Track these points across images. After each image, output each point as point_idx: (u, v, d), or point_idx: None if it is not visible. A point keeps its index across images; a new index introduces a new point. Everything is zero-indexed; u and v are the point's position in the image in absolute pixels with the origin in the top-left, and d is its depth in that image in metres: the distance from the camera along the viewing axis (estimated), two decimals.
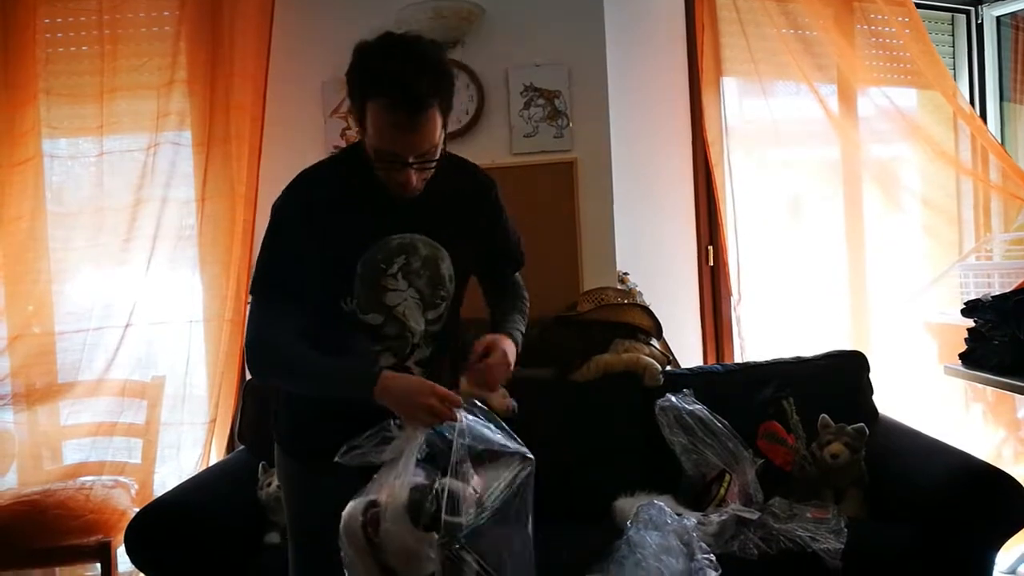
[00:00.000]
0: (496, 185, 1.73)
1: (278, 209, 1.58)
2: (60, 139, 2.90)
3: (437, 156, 1.52)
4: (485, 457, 1.37)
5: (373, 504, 1.33)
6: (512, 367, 1.59)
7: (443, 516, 1.31)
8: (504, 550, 1.36)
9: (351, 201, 1.56)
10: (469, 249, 1.68)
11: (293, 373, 1.54)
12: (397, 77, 1.40)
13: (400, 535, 1.29)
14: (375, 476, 1.40)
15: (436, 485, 1.35)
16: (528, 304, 1.80)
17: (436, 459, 1.40)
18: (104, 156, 2.84)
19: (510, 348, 1.61)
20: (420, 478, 1.38)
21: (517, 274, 1.85)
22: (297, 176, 1.63)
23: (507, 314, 1.73)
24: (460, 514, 1.32)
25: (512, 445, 1.39)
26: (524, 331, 1.72)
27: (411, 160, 1.48)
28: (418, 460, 1.38)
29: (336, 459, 1.39)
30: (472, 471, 1.35)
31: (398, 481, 1.34)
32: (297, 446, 1.69)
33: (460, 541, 1.31)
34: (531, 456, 1.39)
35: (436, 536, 1.31)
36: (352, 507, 1.34)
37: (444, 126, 1.50)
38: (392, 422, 1.43)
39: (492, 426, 1.42)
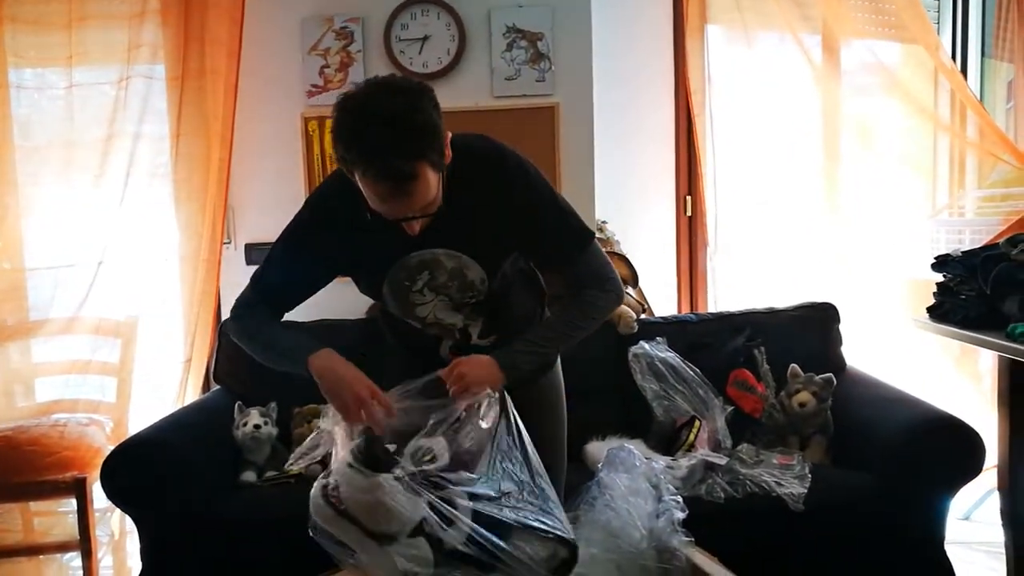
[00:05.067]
0: (522, 175, 1.56)
1: (296, 219, 1.61)
2: (26, 69, 2.80)
3: (437, 206, 1.45)
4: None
5: (327, 483, 1.38)
6: (476, 380, 1.50)
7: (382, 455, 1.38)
8: (508, 506, 1.37)
9: (370, 222, 1.47)
10: (500, 246, 1.59)
11: (259, 345, 1.60)
12: (375, 153, 1.33)
13: (352, 489, 1.33)
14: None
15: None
16: (593, 310, 1.62)
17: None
18: (73, 89, 2.76)
19: (469, 366, 1.52)
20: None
21: (598, 278, 1.63)
22: (320, 189, 1.64)
23: (524, 335, 1.62)
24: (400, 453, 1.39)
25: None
26: (544, 344, 1.61)
27: (408, 216, 1.43)
28: None
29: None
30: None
31: (341, 453, 1.41)
32: None
33: (421, 467, 1.33)
34: (495, 394, 1.44)
35: (385, 474, 1.33)
36: (313, 491, 1.39)
37: (441, 168, 1.42)
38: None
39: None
